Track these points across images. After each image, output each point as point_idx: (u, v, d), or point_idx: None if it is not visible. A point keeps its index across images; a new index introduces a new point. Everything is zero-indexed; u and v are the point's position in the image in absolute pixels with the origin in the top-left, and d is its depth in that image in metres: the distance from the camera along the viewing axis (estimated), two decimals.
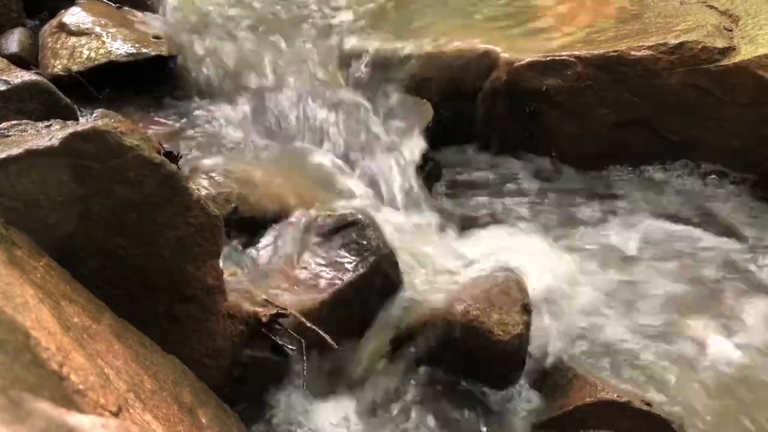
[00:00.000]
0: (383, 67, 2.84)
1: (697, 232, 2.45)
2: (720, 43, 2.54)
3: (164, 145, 2.26)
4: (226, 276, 1.74)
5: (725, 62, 2.52)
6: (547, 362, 1.97)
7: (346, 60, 2.92)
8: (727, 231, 2.46)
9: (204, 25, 3.03)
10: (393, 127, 2.66)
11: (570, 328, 2.05)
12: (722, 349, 1.97)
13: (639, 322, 2.06)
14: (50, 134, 1.40)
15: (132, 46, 2.72)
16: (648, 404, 1.78)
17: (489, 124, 2.83)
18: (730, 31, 2.64)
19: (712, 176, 2.64)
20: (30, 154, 1.36)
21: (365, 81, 2.83)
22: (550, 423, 1.85)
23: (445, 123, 2.76)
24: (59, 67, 2.66)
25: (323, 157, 2.50)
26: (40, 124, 1.82)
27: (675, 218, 2.53)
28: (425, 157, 2.63)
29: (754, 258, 2.35)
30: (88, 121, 2.28)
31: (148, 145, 1.60)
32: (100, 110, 2.30)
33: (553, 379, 1.94)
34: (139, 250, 1.52)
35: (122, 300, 1.49)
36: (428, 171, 2.65)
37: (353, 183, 2.42)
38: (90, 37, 2.76)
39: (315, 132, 2.64)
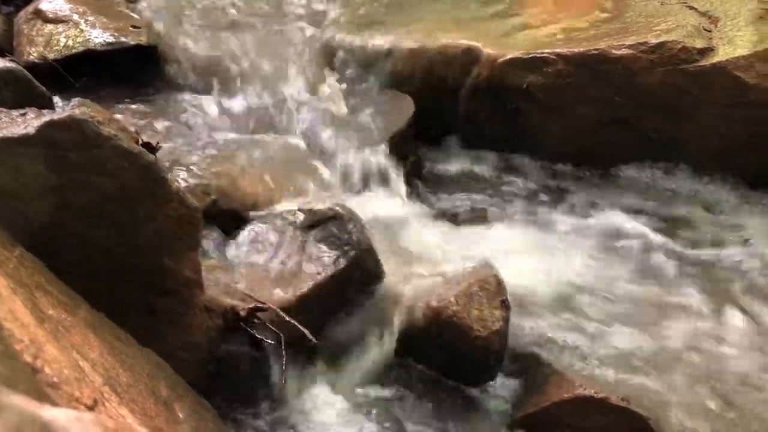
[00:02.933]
0: (366, 61, 2.83)
1: (676, 230, 2.48)
2: (699, 44, 2.56)
3: (142, 136, 2.23)
4: (204, 269, 1.72)
5: (704, 62, 2.54)
6: (525, 358, 1.98)
7: (329, 53, 2.90)
8: (706, 229, 2.49)
9: (184, 15, 3.00)
10: (375, 121, 2.65)
11: (548, 325, 2.06)
12: (699, 345, 1.99)
13: (616, 319, 2.08)
14: (26, 122, 1.38)
15: (111, 35, 2.69)
16: (625, 400, 1.79)
17: (470, 120, 2.83)
18: (709, 31, 2.67)
19: (691, 175, 2.66)
20: (5, 142, 1.33)
21: (348, 74, 2.82)
22: (528, 418, 1.86)
23: (426, 118, 2.76)
24: (35, 54, 2.62)
25: (304, 151, 2.49)
26: (15, 113, 1.78)
27: (653, 216, 2.55)
28: (406, 152, 2.63)
29: (729, 255, 2.38)
30: (64, 110, 2.25)
31: (126, 136, 1.58)
32: (77, 99, 2.26)
33: (530, 375, 1.95)
34: (116, 241, 1.50)
35: (98, 292, 1.47)
36: (409, 166, 2.64)
37: (334, 177, 2.41)
38: (67, 25, 2.72)
39: (296, 125, 2.62)
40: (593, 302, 2.15)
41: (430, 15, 3.03)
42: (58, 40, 2.65)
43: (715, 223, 2.52)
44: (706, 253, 2.40)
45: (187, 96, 2.71)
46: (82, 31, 2.69)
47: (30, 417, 0.62)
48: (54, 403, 0.81)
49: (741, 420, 1.80)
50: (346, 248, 1.97)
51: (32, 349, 0.85)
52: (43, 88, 2.24)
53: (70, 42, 2.65)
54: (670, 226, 2.52)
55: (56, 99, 2.36)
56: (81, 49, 2.63)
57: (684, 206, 2.60)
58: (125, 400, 1.12)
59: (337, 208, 2.07)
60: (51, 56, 2.60)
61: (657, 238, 2.44)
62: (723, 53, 2.54)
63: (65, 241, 1.46)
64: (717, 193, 2.62)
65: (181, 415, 1.37)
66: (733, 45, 2.56)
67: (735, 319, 2.10)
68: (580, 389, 1.82)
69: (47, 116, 1.40)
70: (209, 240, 1.99)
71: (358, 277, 1.99)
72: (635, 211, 2.58)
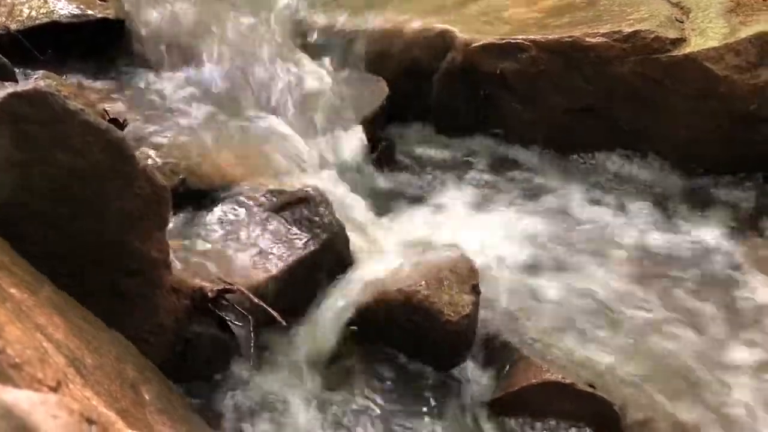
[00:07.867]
0: (340, 42, 2.80)
1: (644, 220, 2.51)
2: (672, 34, 2.58)
3: (109, 112, 2.18)
4: (172, 249, 1.69)
5: (676, 53, 2.56)
6: (494, 343, 1.99)
7: (303, 33, 2.87)
8: (673, 220, 2.52)
9: None
10: (348, 103, 2.63)
11: (517, 310, 2.08)
12: (665, 333, 2.03)
13: (585, 306, 2.10)
14: None
15: (77, 7, 2.62)
16: (591, 386, 1.81)
17: (444, 104, 2.82)
18: (682, 22, 2.69)
19: (660, 166, 2.69)
20: None
21: (321, 55, 2.79)
22: (495, 403, 1.87)
23: (400, 102, 2.74)
24: None
25: (275, 131, 2.45)
26: None
27: (622, 206, 2.58)
28: (379, 135, 2.61)
29: (695, 244, 2.42)
30: (28, 82, 2.18)
31: (93, 111, 1.53)
32: (41, 72, 2.20)
33: (498, 360, 1.96)
34: (81, 220, 1.46)
35: (63, 272, 1.43)
36: (382, 149, 2.63)
37: (306, 158, 2.38)
38: None
39: (268, 104, 2.58)
40: (562, 288, 2.17)
41: None
42: (21, 10, 2.57)
43: (677, 212, 2.56)
44: (671, 241, 2.43)
45: (155, 72, 2.64)
46: (46, 1, 2.62)
47: None
48: (16, 385, 0.78)
49: (708, 403, 1.84)
50: (317, 231, 1.95)
51: None
52: (6, 60, 2.17)
53: (33, 12, 2.57)
54: (636, 214, 2.54)
55: (20, 72, 2.29)
56: (45, 20, 2.55)
57: (651, 196, 2.63)
58: (90, 382, 1.09)
59: (309, 189, 2.05)
60: (13, 26, 2.52)
61: (623, 227, 2.46)
62: (695, 44, 2.56)
63: (27, 219, 1.41)
64: (683, 185, 2.66)
65: (147, 398, 1.34)
66: (705, 36, 2.58)
67: (702, 304, 2.14)
68: (548, 374, 1.83)
69: (10, 88, 1.35)
70: (177, 220, 1.95)
71: (329, 260, 1.97)
72: (603, 199, 2.60)
